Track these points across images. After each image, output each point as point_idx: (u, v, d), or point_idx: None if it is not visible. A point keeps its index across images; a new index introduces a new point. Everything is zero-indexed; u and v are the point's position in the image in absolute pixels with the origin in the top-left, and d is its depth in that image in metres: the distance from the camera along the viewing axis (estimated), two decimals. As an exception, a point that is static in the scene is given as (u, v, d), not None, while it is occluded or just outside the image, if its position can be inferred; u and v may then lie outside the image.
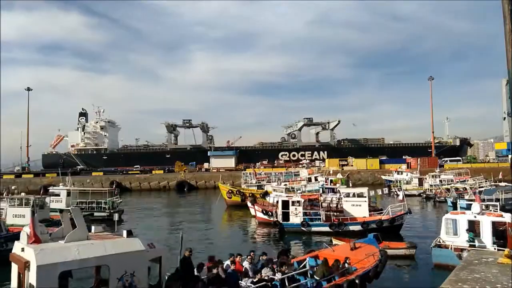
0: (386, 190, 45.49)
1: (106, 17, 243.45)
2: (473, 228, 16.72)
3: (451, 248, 16.51)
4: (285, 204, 26.68)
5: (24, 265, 7.68)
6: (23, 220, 25.92)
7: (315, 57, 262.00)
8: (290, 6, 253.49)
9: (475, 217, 16.74)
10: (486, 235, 16.21)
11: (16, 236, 20.27)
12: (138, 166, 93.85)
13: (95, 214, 33.43)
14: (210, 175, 77.32)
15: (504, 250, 9.69)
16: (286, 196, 28.79)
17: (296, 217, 25.99)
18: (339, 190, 31.30)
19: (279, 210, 26.84)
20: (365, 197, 26.95)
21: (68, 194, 35.15)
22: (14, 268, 8.40)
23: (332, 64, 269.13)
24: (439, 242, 17.34)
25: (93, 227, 9.45)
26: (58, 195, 34.88)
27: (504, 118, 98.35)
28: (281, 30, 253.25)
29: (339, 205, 27.63)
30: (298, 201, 26.40)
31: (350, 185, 42.72)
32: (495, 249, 15.16)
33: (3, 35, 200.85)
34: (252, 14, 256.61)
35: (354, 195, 27.33)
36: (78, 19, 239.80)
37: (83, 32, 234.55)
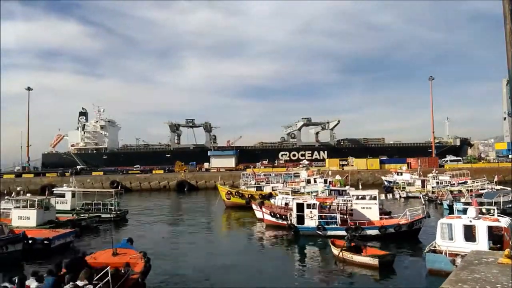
0: (391, 196, 45.81)
1: (102, 26, 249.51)
2: (470, 233, 16.34)
3: (446, 253, 16.14)
4: (300, 207, 26.07)
5: None
6: (29, 222, 25.82)
7: (303, 63, 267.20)
8: (272, 18, 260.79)
9: (470, 221, 16.42)
10: (482, 240, 15.83)
11: (17, 239, 20.30)
12: (138, 166, 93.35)
13: (102, 216, 32.82)
14: (210, 175, 77.34)
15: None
16: (292, 198, 28.13)
17: (311, 221, 25.26)
18: (348, 193, 30.91)
19: (294, 213, 26.17)
20: (376, 199, 26.43)
21: (73, 195, 34.63)
22: None
23: (320, 69, 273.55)
24: (434, 247, 17.00)
25: None
26: (63, 196, 34.24)
27: (505, 118, 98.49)
28: (267, 39, 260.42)
29: (348, 208, 26.88)
30: (314, 204, 25.67)
31: (360, 187, 42.53)
32: None
33: (3, 42, 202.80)
34: (237, 25, 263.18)
35: (364, 198, 26.75)
36: (76, 28, 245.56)
37: (81, 40, 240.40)
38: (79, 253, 14.97)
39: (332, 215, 25.40)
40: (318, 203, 25.83)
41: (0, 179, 71.62)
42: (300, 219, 25.73)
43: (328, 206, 26.54)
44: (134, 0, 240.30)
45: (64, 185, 38.21)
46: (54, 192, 35.36)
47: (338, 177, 49.38)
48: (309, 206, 25.68)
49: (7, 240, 19.64)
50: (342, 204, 26.92)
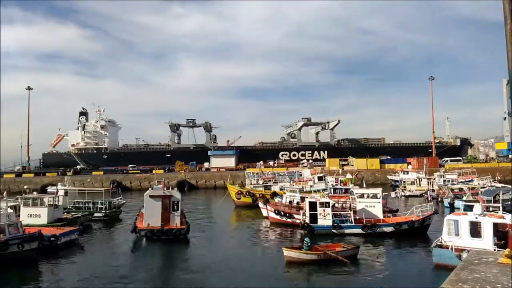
0: (394, 194, 46.04)
1: (100, 30, 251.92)
2: (475, 229, 16.70)
3: (452, 248, 16.51)
4: (312, 206, 26.03)
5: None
6: (39, 220, 25.99)
7: (298, 65, 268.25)
8: (264, 22, 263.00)
9: (476, 218, 16.79)
10: (487, 236, 16.18)
11: (33, 237, 20.28)
12: (134, 165, 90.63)
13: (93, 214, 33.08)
14: (210, 175, 77.44)
15: (504, 251, 9.73)
16: (300, 197, 28.49)
17: (325, 219, 25.26)
18: (352, 191, 31.10)
19: (307, 212, 26.10)
20: (379, 198, 26.65)
21: (66, 194, 34.75)
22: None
23: (315, 71, 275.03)
24: (440, 242, 17.40)
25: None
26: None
27: (505, 118, 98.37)
28: (260, 42, 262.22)
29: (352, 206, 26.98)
30: (327, 203, 25.75)
31: (364, 185, 42.75)
32: (494, 250, 15.19)
33: (3, 46, 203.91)
34: (231, 29, 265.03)
35: (368, 196, 26.94)
36: (75, 31, 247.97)
37: (80, 43, 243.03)
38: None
39: (346, 213, 25.64)
40: (331, 201, 25.86)
41: (0, 179, 71.66)
42: (313, 218, 25.64)
43: (349, 205, 26.65)
44: (130, 1, 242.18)
45: (59, 184, 38.30)
46: (48, 190, 35.52)
47: (349, 175, 49.69)
48: (322, 204, 25.69)
49: (23, 238, 19.61)
50: (349, 203, 27.16)
